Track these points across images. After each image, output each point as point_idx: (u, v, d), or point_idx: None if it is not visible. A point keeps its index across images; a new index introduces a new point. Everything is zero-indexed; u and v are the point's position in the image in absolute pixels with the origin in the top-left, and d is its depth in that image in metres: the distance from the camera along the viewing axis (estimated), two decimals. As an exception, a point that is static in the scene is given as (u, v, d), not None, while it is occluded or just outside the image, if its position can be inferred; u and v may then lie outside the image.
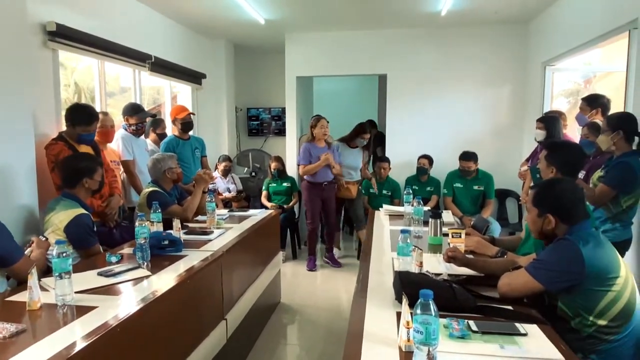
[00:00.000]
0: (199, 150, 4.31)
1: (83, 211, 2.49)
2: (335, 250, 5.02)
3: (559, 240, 1.65)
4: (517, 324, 1.48)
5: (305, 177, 4.72)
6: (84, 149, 3.00)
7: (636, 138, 2.64)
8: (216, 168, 5.63)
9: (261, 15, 5.01)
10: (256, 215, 3.61)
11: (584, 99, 3.46)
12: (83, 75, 4.57)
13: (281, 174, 5.35)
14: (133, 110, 3.78)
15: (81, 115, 2.94)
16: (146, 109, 4.27)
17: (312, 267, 4.79)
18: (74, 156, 2.76)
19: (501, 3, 4.64)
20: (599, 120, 3.23)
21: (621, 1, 3.31)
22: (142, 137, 4.03)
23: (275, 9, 4.87)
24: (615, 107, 3.55)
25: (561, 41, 4.42)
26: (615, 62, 4.51)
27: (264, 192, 5.44)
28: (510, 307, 1.64)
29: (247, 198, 5.88)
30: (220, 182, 5.50)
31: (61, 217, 2.43)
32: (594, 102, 3.37)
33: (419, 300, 1.15)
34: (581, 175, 2.99)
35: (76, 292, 1.75)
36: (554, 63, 4.77)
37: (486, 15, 5.05)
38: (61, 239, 2.34)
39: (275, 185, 5.39)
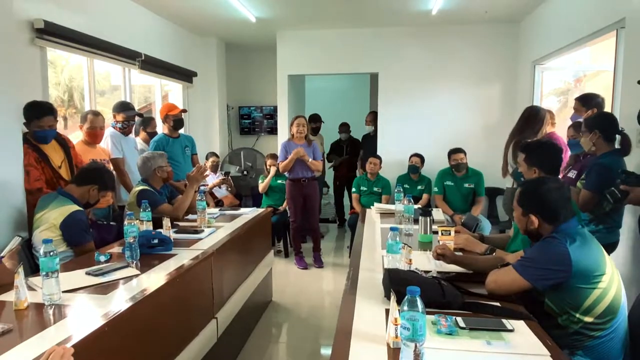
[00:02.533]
0: (190, 149, 4.29)
1: (78, 207, 2.49)
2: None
3: (546, 239, 1.67)
4: (504, 320, 1.50)
5: (286, 175, 4.76)
6: (51, 148, 2.89)
7: (617, 137, 2.60)
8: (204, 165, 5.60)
9: (252, 14, 5.00)
10: (247, 214, 3.61)
11: (577, 99, 3.37)
12: (74, 73, 4.54)
13: (276, 170, 5.32)
14: (120, 108, 3.75)
15: (30, 111, 2.78)
16: (137, 108, 4.24)
17: (303, 266, 4.80)
18: (106, 167, 2.89)
19: (491, 2, 4.67)
20: None
21: (609, 1, 3.35)
22: (132, 135, 4.00)
23: (266, 7, 4.86)
24: (607, 106, 3.57)
25: (550, 40, 4.46)
26: (605, 61, 4.55)
27: (261, 185, 5.37)
28: (497, 304, 1.66)
29: (238, 197, 5.86)
30: (211, 177, 5.48)
31: (56, 214, 2.42)
32: (589, 101, 3.27)
33: (406, 297, 1.16)
34: (573, 174, 3.00)
35: (64, 292, 1.74)
36: (544, 62, 4.81)
37: (477, 14, 5.08)
38: (53, 236, 2.34)
39: (270, 181, 5.36)
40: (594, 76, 5.35)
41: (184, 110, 4.27)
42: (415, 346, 1.13)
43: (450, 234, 2.40)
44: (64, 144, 3.03)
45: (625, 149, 2.60)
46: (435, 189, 4.98)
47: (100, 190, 2.65)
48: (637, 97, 2.93)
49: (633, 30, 3.00)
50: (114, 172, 3.33)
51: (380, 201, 4.92)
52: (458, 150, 4.77)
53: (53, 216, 2.42)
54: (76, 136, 3.61)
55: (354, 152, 6.39)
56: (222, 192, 5.54)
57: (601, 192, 2.50)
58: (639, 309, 1.75)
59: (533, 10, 4.92)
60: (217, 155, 5.76)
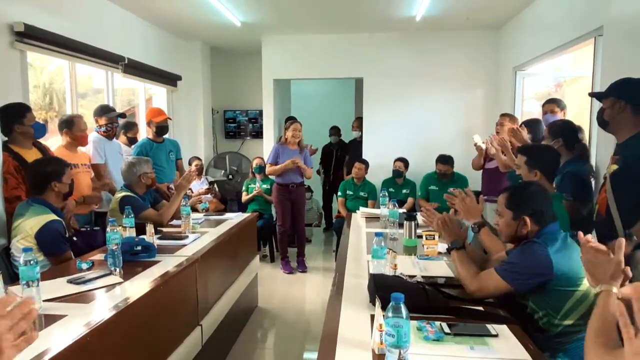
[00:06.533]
0: (174, 153, 4.25)
1: (54, 217, 2.42)
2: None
3: (526, 243, 1.69)
4: (488, 325, 1.51)
5: (275, 178, 4.76)
6: (32, 155, 2.82)
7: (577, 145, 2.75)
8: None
9: (237, 18, 4.98)
10: (232, 219, 3.59)
11: (552, 102, 3.55)
12: (54, 76, 4.46)
13: (262, 170, 5.32)
14: (102, 111, 3.71)
15: (13, 112, 2.76)
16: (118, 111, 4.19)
17: (289, 271, 4.79)
18: (40, 160, 2.70)
19: (473, 9, 4.74)
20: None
21: (587, 9, 3.43)
22: (116, 140, 3.96)
23: (251, 12, 4.85)
24: (584, 111, 3.69)
25: (531, 47, 4.55)
26: (584, 67, 4.65)
27: (244, 193, 5.41)
28: (480, 308, 1.68)
29: (224, 201, 5.82)
30: (196, 183, 5.43)
31: (31, 223, 2.36)
32: (561, 103, 3.51)
33: (390, 304, 1.17)
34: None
35: (45, 301, 1.70)
36: (525, 68, 4.90)
37: (459, 21, 5.15)
38: (30, 246, 2.29)
39: (254, 186, 5.36)
40: (573, 82, 5.46)
41: (169, 118, 4.23)
42: (400, 353, 1.14)
43: (434, 239, 2.43)
44: (45, 153, 2.98)
45: (585, 158, 2.75)
46: (419, 193, 5.04)
47: (59, 180, 2.51)
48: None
49: (610, 38, 3.07)
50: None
51: (366, 206, 4.95)
52: (446, 162, 4.80)
53: (29, 225, 2.36)
54: (55, 140, 3.55)
55: (344, 156, 6.39)
56: (206, 197, 5.50)
57: (578, 199, 2.56)
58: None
59: (513, 17, 5.02)
60: (199, 159, 5.72)
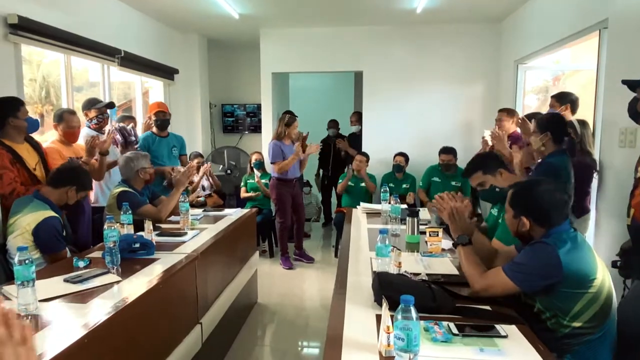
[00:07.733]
0: (177, 149, 4.20)
1: (52, 214, 2.39)
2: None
3: (535, 244, 1.64)
4: (497, 326, 1.48)
5: (275, 174, 4.70)
6: (24, 150, 2.78)
7: (566, 139, 2.80)
8: (189, 166, 5.51)
9: (235, 10, 4.91)
10: (231, 215, 3.54)
11: (553, 96, 3.52)
12: (50, 69, 4.39)
13: (261, 165, 5.30)
14: (89, 104, 3.62)
15: (5, 107, 2.71)
16: (116, 105, 4.13)
17: (289, 266, 4.76)
18: (82, 167, 2.77)
19: (475, 1, 4.68)
20: (569, 116, 3.30)
21: (592, 2, 3.37)
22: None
23: (250, 4, 4.78)
24: (584, 104, 3.64)
25: (533, 40, 4.49)
26: (583, 60, 4.62)
27: (242, 189, 5.39)
28: (488, 307, 1.64)
29: (222, 196, 5.77)
30: (195, 179, 5.38)
31: (29, 219, 2.33)
32: (563, 98, 3.45)
33: (400, 306, 1.13)
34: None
35: (40, 301, 1.66)
36: (526, 61, 4.85)
37: (460, 13, 5.09)
38: (26, 242, 2.25)
39: (253, 181, 5.32)
40: (571, 75, 5.42)
41: (162, 111, 4.15)
42: (409, 357, 1.10)
43: (438, 235, 2.39)
44: (37, 148, 2.92)
45: (572, 152, 2.81)
46: (420, 184, 5.02)
47: (78, 191, 2.55)
48: (619, 96, 2.95)
49: (616, 31, 3.02)
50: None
51: (366, 194, 4.97)
52: (449, 152, 4.84)
53: (26, 222, 2.32)
54: (52, 134, 3.49)
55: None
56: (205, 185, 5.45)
57: None
58: (625, 307, 1.75)
59: (516, 10, 4.95)
60: (202, 156, 5.67)
